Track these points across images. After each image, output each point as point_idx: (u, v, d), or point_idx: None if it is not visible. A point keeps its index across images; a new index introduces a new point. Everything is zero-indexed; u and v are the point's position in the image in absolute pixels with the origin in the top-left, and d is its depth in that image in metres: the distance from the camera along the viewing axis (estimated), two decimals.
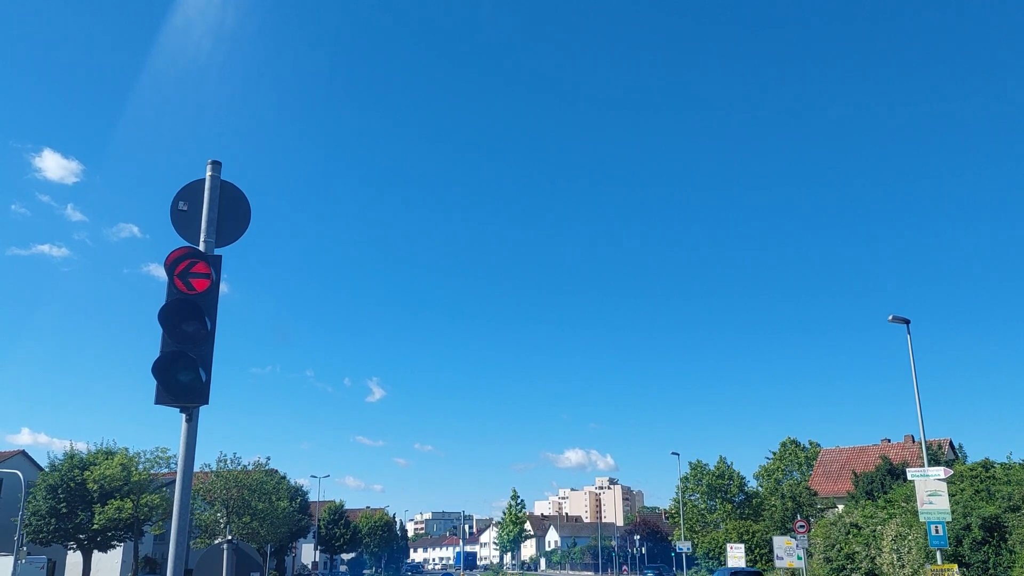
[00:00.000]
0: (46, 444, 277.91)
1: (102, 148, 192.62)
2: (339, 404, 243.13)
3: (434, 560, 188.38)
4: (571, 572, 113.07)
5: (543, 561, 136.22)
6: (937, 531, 23.14)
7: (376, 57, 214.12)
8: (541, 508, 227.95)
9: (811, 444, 72.52)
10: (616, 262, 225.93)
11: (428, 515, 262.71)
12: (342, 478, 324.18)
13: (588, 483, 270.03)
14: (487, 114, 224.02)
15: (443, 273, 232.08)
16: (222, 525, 48.04)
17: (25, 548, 44.91)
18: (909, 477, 25.39)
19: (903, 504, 31.96)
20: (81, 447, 49.45)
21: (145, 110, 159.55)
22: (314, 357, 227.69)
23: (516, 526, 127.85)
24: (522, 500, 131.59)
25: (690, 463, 78.16)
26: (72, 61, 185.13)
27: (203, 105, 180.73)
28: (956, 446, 56.41)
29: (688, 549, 61.10)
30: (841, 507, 43.94)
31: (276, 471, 62.21)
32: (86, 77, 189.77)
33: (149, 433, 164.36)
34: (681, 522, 69.40)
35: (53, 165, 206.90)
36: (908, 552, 29.36)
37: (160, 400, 6.18)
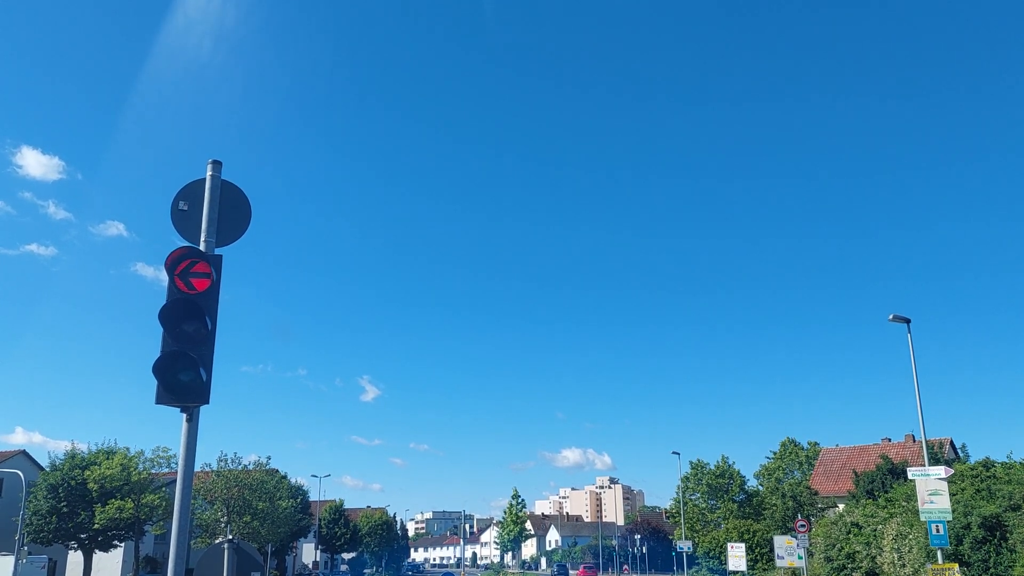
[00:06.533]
0: (41, 443, 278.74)
1: (86, 145, 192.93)
2: (333, 403, 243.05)
3: (433, 560, 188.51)
4: (572, 571, 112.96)
5: (544, 560, 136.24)
6: (938, 530, 23.13)
7: (376, 53, 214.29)
8: (542, 507, 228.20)
9: (811, 444, 72.60)
10: (612, 258, 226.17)
11: (428, 515, 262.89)
12: (340, 477, 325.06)
13: (586, 482, 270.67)
14: (484, 108, 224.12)
15: (436, 270, 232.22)
16: (223, 525, 48.03)
17: (26, 547, 44.97)
18: (910, 476, 25.37)
19: (904, 503, 31.98)
20: (82, 447, 49.57)
21: (134, 108, 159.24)
22: (307, 356, 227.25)
23: (517, 526, 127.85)
24: (523, 500, 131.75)
25: (691, 462, 78.34)
26: (56, 59, 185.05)
27: (185, 101, 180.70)
28: (957, 446, 56.45)
29: (689, 548, 61.09)
30: (842, 506, 43.96)
31: (277, 471, 62.22)
32: (72, 75, 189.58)
33: (148, 433, 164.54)
34: (682, 521, 69.44)
35: (33, 162, 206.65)
36: (909, 551, 29.37)
37: (161, 400, 6.18)
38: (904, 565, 29.47)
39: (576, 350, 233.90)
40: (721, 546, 57.17)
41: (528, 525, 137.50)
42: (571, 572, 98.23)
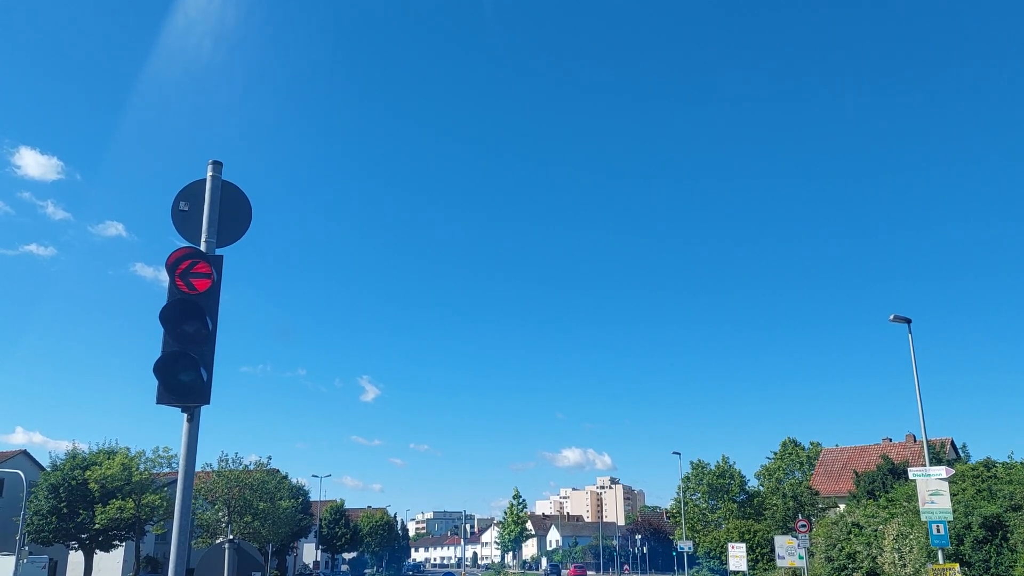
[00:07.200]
0: (41, 443, 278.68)
1: (85, 145, 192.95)
2: (333, 403, 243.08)
3: (434, 560, 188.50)
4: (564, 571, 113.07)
5: (544, 560, 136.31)
6: (938, 530, 23.12)
7: (376, 53, 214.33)
8: (542, 507, 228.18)
9: (812, 444, 72.61)
10: (612, 258, 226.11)
11: (429, 515, 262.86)
12: (340, 478, 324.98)
13: (587, 482, 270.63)
14: (484, 108, 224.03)
15: (436, 270, 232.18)
16: (224, 525, 48.03)
17: (27, 547, 44.98)
18: (911, 476, 25.37)
19: (904, 503, 31.98)
20: (83, 447, 49.58)
21: (134, 108, 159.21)
22: (306, 356, 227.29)
23: (517, 526, 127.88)
24: (523, 500, 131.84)
25: (691, 462, 78.41)
26: (55, 59, 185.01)
27: (185, 101, 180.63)
28: (958, 446, 56.44)
29: (689, 548, 61.07)
30: (842, 506, 43.96)
31: (278, 471, 62.22)
32: (71, 75, 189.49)
33: (149, 433, 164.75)
34: (683, 521, 69.43)
35: (31, 162, 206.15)
36: (910, 551, 29.36)
37: (161, 400, 6.19)
38: (905, 565, 29.46)
39: (576, 350, 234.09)
40: (722, 546, 57.15)
41: (529, 525, 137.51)
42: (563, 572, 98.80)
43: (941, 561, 23.77)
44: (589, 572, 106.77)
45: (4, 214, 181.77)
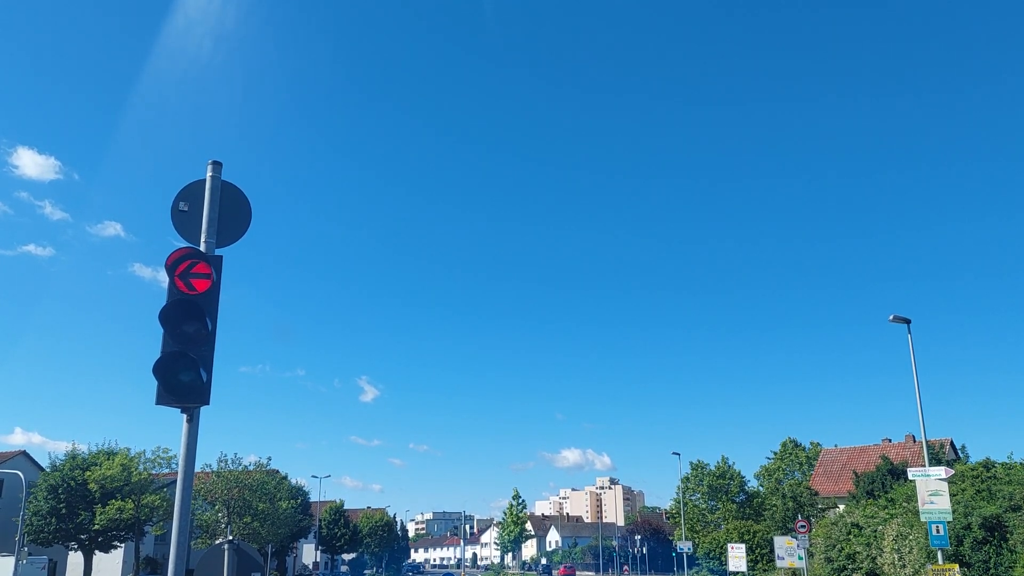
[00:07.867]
0: (40, 444, 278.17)
1: (83, 145, 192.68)
2: (332, 404, 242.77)
3: (433, 560, 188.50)
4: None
5: (544, 561, 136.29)
6: (938, 531, 23.13)
7: (376, 53, 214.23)
8: (542, 508, 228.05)
9: (812, 444, 72.65)
10: (612, 258, 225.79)
11: (429, 515, 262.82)
12: (340, 478, 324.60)
13: (586, 483, 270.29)
14: (484, 108, 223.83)
15: (435, 270, 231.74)
16: (223, 525, 48.04)
17: (26, 548, 44.98)
18: (910, 477, 25.38)
19: (904, 504, 31.98)
20: (82, 447, 49.58)
21: (133, 108, 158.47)
22: (305, 356, 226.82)
23: (517, 526, 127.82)
24: (523, 500, 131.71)
25: (691, 463, 78.42)
26: (54, 59, 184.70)
27: (185, 101, 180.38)
28: (958, 446, 56.42)
29: (689, 549, 61.07)
30: (842, 507, 43.96)
31: (277, 471, 62.23)
32: (70, 75, 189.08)
33: (149, 433, 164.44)
34: (682, 522, 69.43)
35: (29, 162, 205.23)
36: (909, 552, 29.36)
37: (161, 400, 6.19)
38: (904, 566, 29.46)
39: (576, 350, 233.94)
40: (721, 547, 57.13)
41: (528, 526, 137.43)
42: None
43: (941, 562, 23.77)
44: (589, 573, 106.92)
45: (2, 214, 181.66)
